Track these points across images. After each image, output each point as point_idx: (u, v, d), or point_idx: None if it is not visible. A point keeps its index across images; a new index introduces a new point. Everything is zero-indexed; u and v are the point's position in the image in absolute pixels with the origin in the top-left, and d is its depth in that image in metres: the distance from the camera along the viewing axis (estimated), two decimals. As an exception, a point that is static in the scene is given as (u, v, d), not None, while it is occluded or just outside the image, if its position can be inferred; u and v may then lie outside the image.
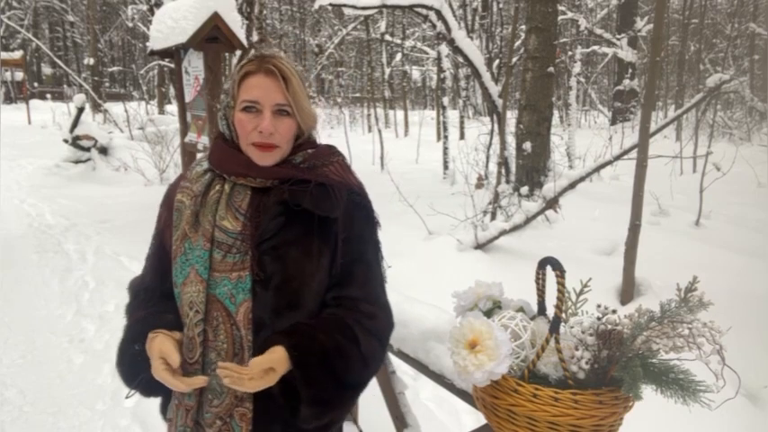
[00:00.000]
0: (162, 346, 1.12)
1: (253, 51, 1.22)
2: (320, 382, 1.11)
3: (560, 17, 10.52)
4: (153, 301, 1.25)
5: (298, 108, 1.17)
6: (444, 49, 11.11)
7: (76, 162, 10.00)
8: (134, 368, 1.19)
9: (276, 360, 1.08)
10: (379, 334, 1.21)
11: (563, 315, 1.10)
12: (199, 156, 7.45)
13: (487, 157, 8.68)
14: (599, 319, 1.05)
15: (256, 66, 1.16)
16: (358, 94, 24.79)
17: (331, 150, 1.27)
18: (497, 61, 13.34)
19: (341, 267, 1.19)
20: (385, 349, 1.26)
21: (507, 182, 7.32)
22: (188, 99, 7.52)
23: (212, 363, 1.16)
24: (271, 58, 1.16)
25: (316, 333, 1.13)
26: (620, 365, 1.00)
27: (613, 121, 14.49)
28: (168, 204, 1.27)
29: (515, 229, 4.98)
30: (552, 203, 5.00)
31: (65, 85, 27.41)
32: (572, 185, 4.88)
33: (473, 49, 7.25)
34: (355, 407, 1.88)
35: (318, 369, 1.11)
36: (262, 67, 1.15)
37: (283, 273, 1.14)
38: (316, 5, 7.05)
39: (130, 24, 18.00)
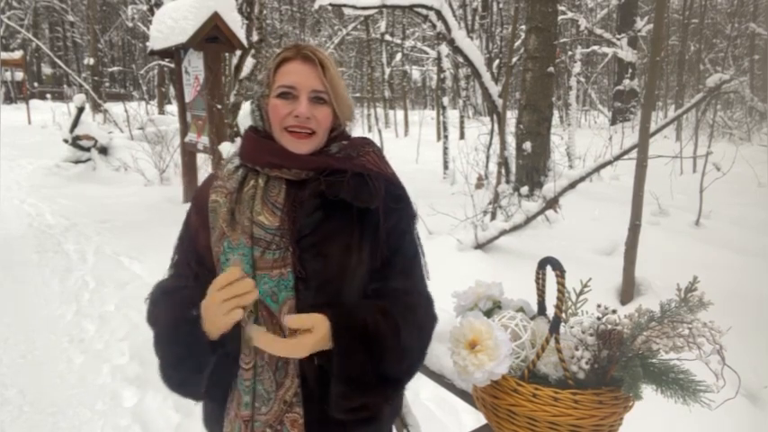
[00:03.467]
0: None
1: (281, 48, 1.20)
2: (355, 358, 1.04)
3: (560, 17, 10.53)
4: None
5: (335, 95, 1.14)
6: (444, 49, 11.11)
7: (76, 162, 9.99)
8: (193, 346, 1.04)
9: (317, 321, 1.02)
10: (421, 326, 1.15)
11: (563, 315, 1.10)
12: (201, 155, 7.46)
13: (487, 157, 8.68)
14: (599, 319, 1.04)
15: (294, 52, 1.14)
16: (358, 94, 24.76)
17: (366, 141, 1.24)
18: (497, 61, 13.35)
19: (380, 260, 1.14)
20: (427, 343, 1.17)
21: (507, 182, 7.31)
22: (188, 99, 7.52)
23: (259, 367, 1.11)
24: (308, 45, 1.16)
25: (358, 311, 1.07)
26: (620, 365, 1.00)
27: (613, 121, 14.50)
28: (198, 206, 1.20)
29: (515, 229, 4.98)
30: (552, 203, 4.99)
31: (65, 85, 27.40)
32: (572, 185, 4.87)
33: (473, 49, 7.24)
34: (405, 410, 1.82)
35: (355, 343, 1.04)
36: (299, 54, 1.13)
37: (324, 271, 1.10)
38: (316, 5, 7.05)
39: (130, 24, 18.01)
